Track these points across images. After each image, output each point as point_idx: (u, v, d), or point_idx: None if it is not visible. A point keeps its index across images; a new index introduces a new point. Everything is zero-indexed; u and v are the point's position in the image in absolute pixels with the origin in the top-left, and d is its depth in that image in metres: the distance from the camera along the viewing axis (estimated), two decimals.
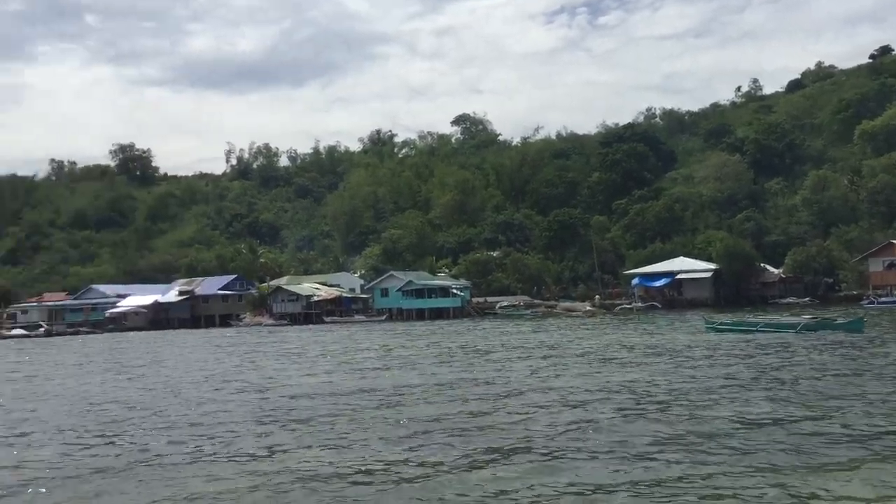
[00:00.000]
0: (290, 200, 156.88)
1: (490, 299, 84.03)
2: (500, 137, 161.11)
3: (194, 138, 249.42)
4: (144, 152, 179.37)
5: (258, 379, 23.26)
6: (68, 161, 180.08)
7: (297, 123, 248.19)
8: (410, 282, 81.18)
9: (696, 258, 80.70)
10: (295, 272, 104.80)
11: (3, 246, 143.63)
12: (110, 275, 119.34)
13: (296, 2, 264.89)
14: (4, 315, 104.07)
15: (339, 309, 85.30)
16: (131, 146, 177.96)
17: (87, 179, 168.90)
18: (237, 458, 11.40)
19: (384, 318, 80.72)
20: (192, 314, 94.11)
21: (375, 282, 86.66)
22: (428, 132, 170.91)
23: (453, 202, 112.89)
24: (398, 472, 10.33)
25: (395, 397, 17.65)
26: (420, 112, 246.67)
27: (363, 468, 10.61)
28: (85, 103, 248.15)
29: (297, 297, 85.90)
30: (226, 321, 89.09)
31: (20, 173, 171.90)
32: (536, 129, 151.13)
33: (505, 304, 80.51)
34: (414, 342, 39.52)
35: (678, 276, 78.09)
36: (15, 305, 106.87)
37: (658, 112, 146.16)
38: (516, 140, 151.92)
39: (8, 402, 19.75)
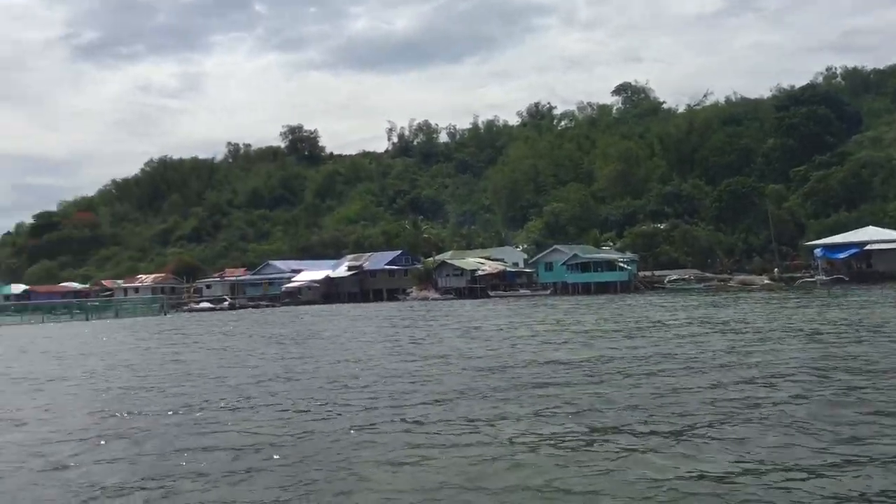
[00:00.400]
0: (451, 176, 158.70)
1: (657, 273, 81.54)
2: (664, 105, 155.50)
3: (355, 118, 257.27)
4: (312, 133, 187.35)
5: (446, 351, 23.40)
6: (243, 144, 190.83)
7: (455, 100, 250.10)
8: (575, 255, 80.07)
9: (887, 227, 74.56)
10: (457, 247, 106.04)
11: (187, 225, 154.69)
12: (283, 251, 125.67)
13: None
14: (192, 289, 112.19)
15: (503, 283, 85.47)
16: (300, 127, 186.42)
17: (261, 160, 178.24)
18: (441, 430, 11.30)
19: (549, 292, 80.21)
20: (360, 288, 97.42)
21: (539, 256, 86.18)
22: (588, 103, 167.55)
23: (616, 173, 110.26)
24: (611, 452, 9.82)
25: (591, 373, 17.11)
26: (577, 83, 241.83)
27: (577, 446, 10.21)
28: (254, 89, 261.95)
29: (461, 271, 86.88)
30: (393, 295, 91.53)
31: (201, 156, 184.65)
32: (705, 95, 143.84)
33: (674, 277, 77.84)
34: (587, 316, 38.76)
35: (867, 247, 72.39)
36: (200, 280, 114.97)
37: (839, 71, 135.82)
38: (681, 108, 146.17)
39: (216, 371, 20.83)
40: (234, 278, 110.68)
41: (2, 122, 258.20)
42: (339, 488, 8.58)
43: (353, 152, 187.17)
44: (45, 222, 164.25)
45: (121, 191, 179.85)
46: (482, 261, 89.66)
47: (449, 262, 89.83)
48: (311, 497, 8.32)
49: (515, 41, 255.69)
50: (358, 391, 15.33)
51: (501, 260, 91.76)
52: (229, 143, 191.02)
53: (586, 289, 77.81)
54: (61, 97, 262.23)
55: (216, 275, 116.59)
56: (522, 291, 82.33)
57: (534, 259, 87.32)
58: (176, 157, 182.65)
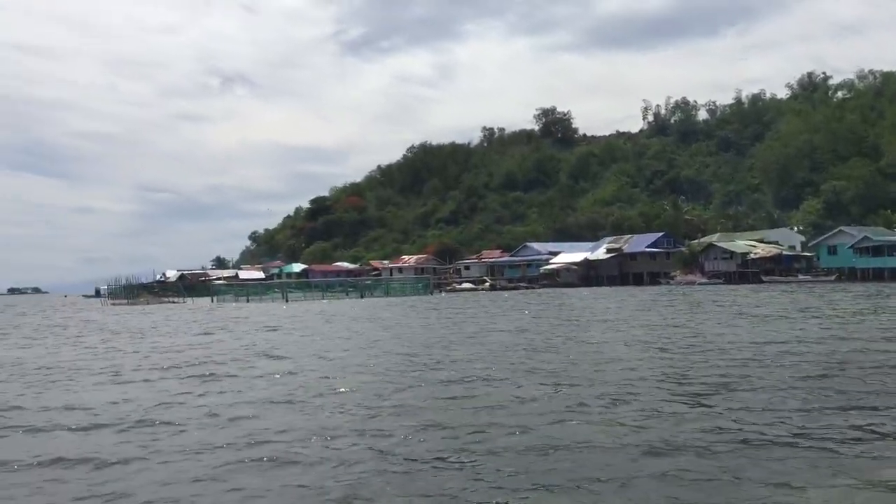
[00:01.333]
0: (712, 154, 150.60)
1: None
2: None
3: (607, 98, 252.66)
4: (565, 115, 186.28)
5: (776, 336, 21.21)
6: (497, 128, 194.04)
7: (711, 76, 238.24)
8: (866, 237, 72.21)
9: None
10: (722, 229, 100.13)
11: (446, 208, 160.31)
12: (539, 233, 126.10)
13: None
14: (453, 270, 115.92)
15: (778, 268, 79.24)
16: (553, 110, 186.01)
17: (515, 144, 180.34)
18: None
19: (833, 278, 73.05)
20: (619, 271, 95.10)
21: (821, 239, 78.80)
22: (869, 71, 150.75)
23: None
24: None
25: None
26: (851, 51, 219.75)
27: None
28: (506, 74, 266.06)
29: (730, 254, 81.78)
30: (654, 279, 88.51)
31: (458, 141, 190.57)
32: None
33: None
34: None
35: None
36: (459, 262, 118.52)
37: None
38: None
39: (554, 355, 20.34)
40: (492, 260, 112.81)
41: (281, 115, 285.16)
42: None
43: (605, 133, 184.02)
44: (320, 206, 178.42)
45: (385, 176, 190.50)
46: (753, 243, 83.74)
47: (717, 244, 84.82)
48: None
49: (778, 10, 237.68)
50: (738, 385, 13.44)
51: (775, 243, 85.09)
52: (484, 128, 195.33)
53: (878, 275, 69.98)
54: (330, 91, 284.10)
55: (474, 256, 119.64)
56: (801, 277, 75.77)
57: (815, 242, 79.99)
58: (431, 143, 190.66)
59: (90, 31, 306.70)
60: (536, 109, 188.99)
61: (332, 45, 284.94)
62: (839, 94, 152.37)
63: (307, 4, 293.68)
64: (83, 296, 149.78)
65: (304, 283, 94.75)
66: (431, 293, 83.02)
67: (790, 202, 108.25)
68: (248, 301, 79.66)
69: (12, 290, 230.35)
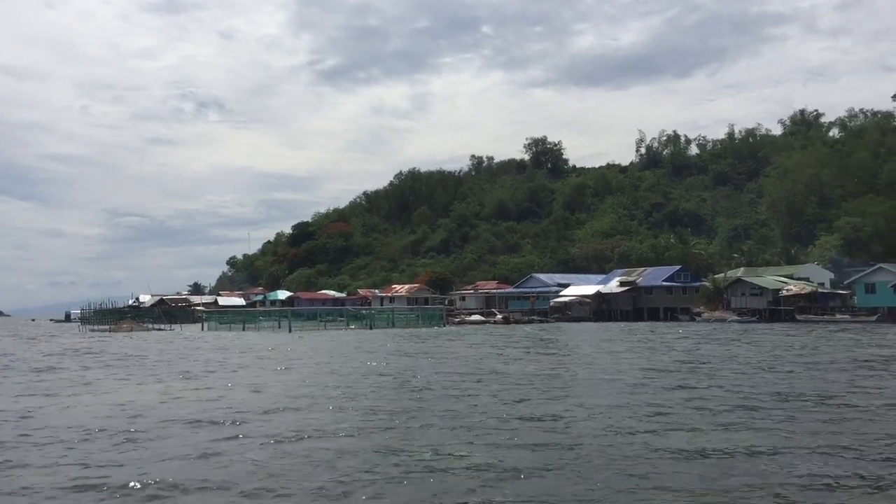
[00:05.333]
0: (708, 189, 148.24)
1: None
2: None
3: (582, 133, 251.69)
4: (556, 145, 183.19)
5: None
6: (486, 156, 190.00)
7: (683, 115, 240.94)
8: None
9: None
10: (735, 264, 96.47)
11: (436, 237, 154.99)
12: (537, 264, 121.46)
13: None
14: (448, 300, 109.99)
15: (813, 306, 75.25)
16: (543, 140, 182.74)
17: (504, 173, 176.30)
18: None
19: (875, 318, 69.14)
20: (633, 306, 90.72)
21: (857, 277, 74.92)
22: (860, 110, 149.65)
23: None
24: None
25: None
26: (818, 95, 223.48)
27: None
28: (481, 107, 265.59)
29: (760, 290, 77.70)
30: (672, 314, 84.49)
31: (447, 169, 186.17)
32: None
33: None
34: None
35: None
36: (453, 292, 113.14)
37: None
38: None
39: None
40: (493, 291, 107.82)
41: (253, 142, 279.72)
42: None
43: (595, 165, 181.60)
44: (303, 232, 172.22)
45: (371, 203, 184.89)
46: (785, 279, 79.80)
47: (745, 279, 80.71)
48: None
49: (750, 52, 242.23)
50: None
51: (805, 279, 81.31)
52: (473, 156, 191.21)
53: None
54: (303, 119, 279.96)
55: (469, 287, 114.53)
56: (840, 316, 71.82)
57: (851, 280, 75.99)
58: (420, 170, 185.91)
59: (68, 54, 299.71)
60: (527, 139, 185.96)
61: (307, 74, 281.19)
62: (833, 131, 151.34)
63: (284, 33, 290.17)
64: (51, 320, 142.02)
65: (296, 312, 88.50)
66: (444, 325, 77.69)
67: (801, 238, 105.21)
68: (243, 329, 73.93)
69: None
